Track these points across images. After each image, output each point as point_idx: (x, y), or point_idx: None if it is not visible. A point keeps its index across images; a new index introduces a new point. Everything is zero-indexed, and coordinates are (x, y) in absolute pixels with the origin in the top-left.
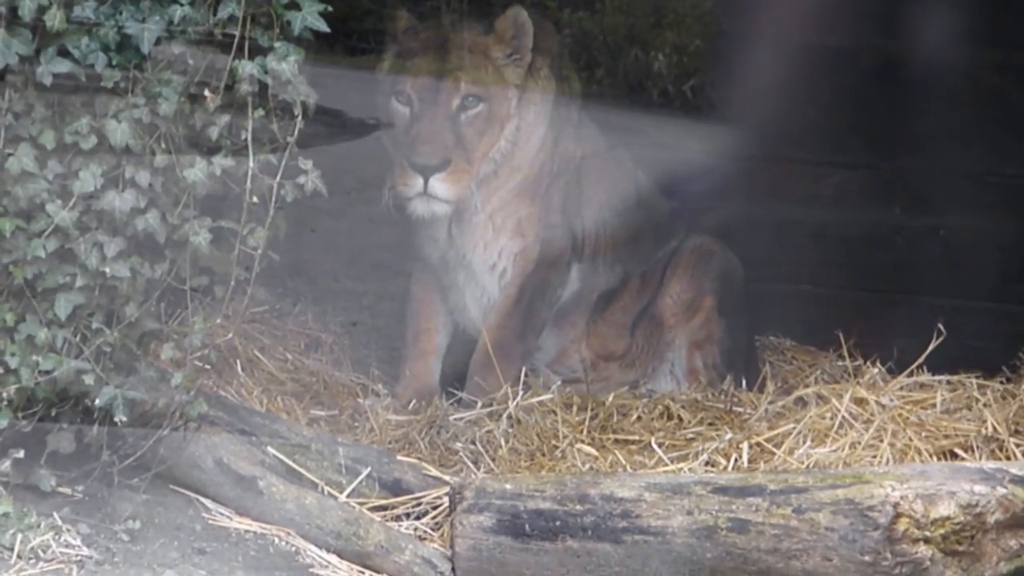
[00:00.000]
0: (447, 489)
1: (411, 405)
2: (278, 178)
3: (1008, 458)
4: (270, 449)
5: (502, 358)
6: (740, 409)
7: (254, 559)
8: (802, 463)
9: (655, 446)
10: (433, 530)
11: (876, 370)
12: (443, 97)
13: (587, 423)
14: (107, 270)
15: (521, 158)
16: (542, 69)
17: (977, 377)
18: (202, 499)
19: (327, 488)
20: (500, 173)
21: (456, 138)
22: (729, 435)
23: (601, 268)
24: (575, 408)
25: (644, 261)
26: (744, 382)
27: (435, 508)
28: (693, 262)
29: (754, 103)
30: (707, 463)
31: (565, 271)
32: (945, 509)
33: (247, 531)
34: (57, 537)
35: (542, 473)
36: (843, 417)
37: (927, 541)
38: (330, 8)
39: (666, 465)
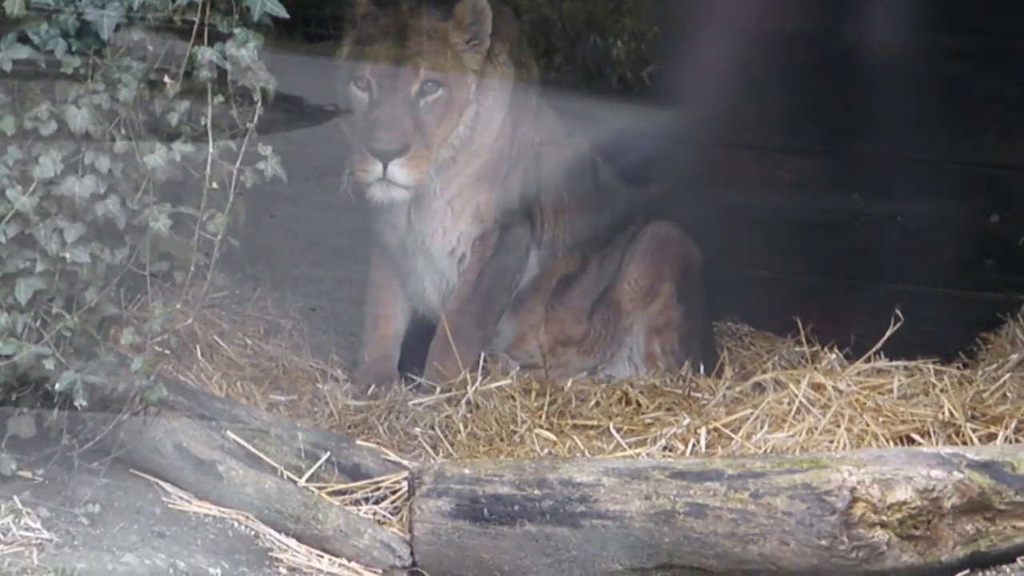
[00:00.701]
0: (406, 474)
1: (370, 391)
2: (238, 164)
3: (965, 443)
4: (229, 434)
5: (461, 343)
6: (698, 394)
7: (213, 543)
8: (759, 448)
9: (613, 431)
10: (392, 514)
11: (833, 356)
12: (402, 83)
13: (545, 408)
14: (67, 255)
15: (480, 144)
16: (501, 55)
17: (934, 363)
18: (162, 483)
19: (286, 472)
20: (459, 159)
21: (415, 123)
22: (687, 420)
23: (559, 253)
24: (533, 393)
25: (602, 246)
26: (702, 367)
27: (394, 493)
28: (652, 248)
29: (712, 89)
30: (665, 448)
31: (524, 257)
32: (902, 494)
33: (206, 515)
34: (17, 520)
35: (501, 458)
36: (800, 402)
37: (884, 526)
38: None
39: (624, 450)
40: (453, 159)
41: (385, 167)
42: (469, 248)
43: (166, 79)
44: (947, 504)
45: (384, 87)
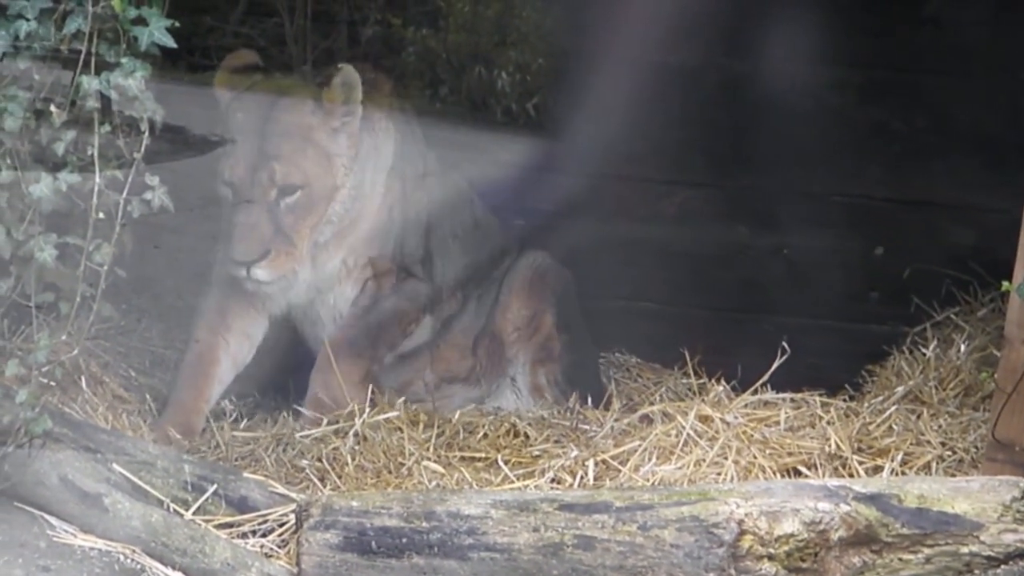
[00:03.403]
0: (293, 506)
1: (171, 443)
2: (124, 194)
3: (851, 475)
4: (115, 466)
5: (343, 367)
6: (586, 426)
7: None
8: (648, 480)
9: (501, 463)
10: (280, 547)
11: (720, 388)
12: (259, 190)
13: (433, 440)
14: None
15: (367, 208)
16: (378, 120)
17: (820, 395)
18: (47, 516)
19: (173, 505)
20: (345, 228)
21: (275, 227)
22: (575, 452)
23: (444, 297)
24: (421, 425)
25: (481, 282)
26: (590, 399)
27: (281, 525)
28: (528, 278)
29: (598, 121)
30: (553, 480)
31: (422, 309)
32: (789, 526)
33: (92, 548)
34: None
35: (389, 490)
36: (688, 434)
37: (771, 558)
38: (177, 24)
39: (512, 482)
40: (338, 230)
41: (248, 270)
42: (363, 289)
43: (52, 108)
44: (834, 536)
45: (242, 193)
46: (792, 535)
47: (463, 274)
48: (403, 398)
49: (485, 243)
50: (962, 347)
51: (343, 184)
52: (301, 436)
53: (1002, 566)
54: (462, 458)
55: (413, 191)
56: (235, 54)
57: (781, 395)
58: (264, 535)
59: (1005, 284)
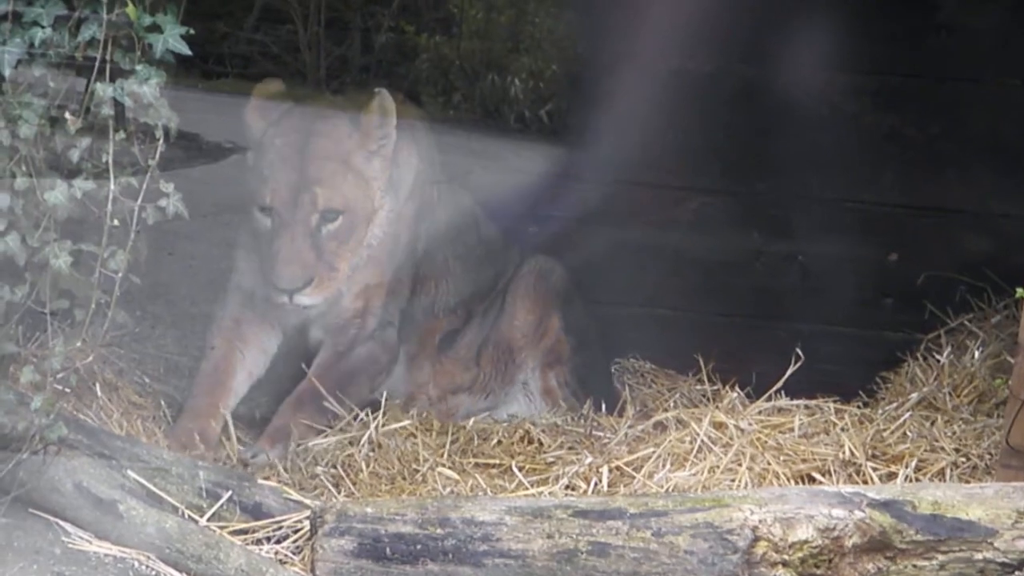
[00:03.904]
0: (308, 513)
1: (185, 450)
2: (139, 201)
3: (865, 482)
4: (130, 472)
5: (313, 410)
6: (600, 433)
7: None
8: (662, 487)
9: (515, 470)
10: (294, 554)
11: (735, 394)
12: (301, 215)
13: (448, 447)
14: None
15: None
16: (403, 147)
17: (835, 402)
18: (62, 523)
19: (187, 512)
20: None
21: (317, 254)
22: (589, 459)
23: (441, 314)
24: (434, 432)
25: (485, 297)
26: (604, 405)
27: (296, 532)
28: (533, 283)
29: (612, 127)
30: (567, 487)
31: (392, 362)
32: (803, 533)
33: (107, 555)
34: None
35: (403, 497)
36: (702, 441)
37: (785, 564)
38: (192, 31)
39: (526, 489)
40: (372, 253)
41: (291, 297)
42: (351, 321)
43: (67, 115)
44: (848, 543)
45: (284, 218)
46: (806, 541)
47: (467, 291)
48: (415, 407)
49: (489, 260)
50: (976, 354)
51: (380, 207)
52: (314, 443)
53: (1016, 572)
54: (476, 464)
55: (420, 219)
56: (263, 83)
57: (795, 401)
58: (279, 541)
59: (1019, 291)
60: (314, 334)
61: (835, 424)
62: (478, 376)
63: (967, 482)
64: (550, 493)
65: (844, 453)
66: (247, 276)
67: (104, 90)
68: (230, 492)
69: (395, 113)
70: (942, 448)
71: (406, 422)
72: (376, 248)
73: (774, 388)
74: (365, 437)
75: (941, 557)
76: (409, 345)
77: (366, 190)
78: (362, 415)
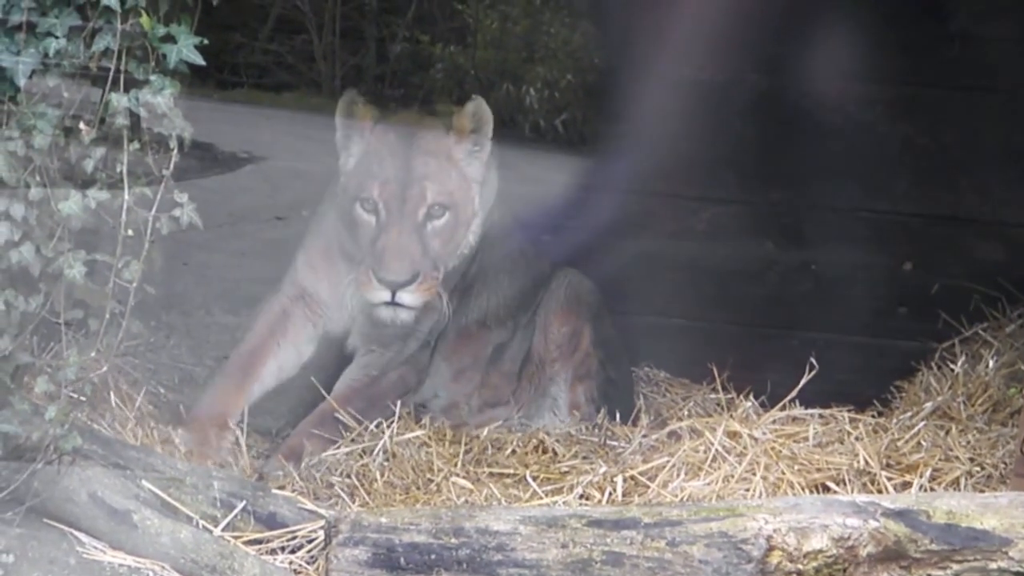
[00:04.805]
0: (322, 523)
1: (201, 441)
2: (153, 211)
3: (880, 491)
4: (144, 483)
5: (331, 429)
6: (614, 442)
7: None
8: (676, 496)
9: (529, 479)
10: (308, 564)
11: (749, 403)
12: (410, 208)
13: (461, 456)
14: None
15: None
16: (490, 162)
17: (849, 411)
18: (76, 533)
19: (202, 522)
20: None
21: (423, 249)
22: (603, 468)
23: (493, 325)
24: (447, 442)
25: (527, 310)
26: (618, 415)
27: (310, 542)
28: (564, 296)
29: (626, 137)
30: (581, 496)
31: (420, 381)
32: (818, 542)
33: (121, 565)
34: None
35: (417, 506)
36: (716, 450)
37: (800, 574)
38: (206, 41)
39: (541, 498)
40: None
41: (394, 294)
42: (396, 337)
43: (82, 126)
44: (863, 552)
45: (392, 212)
46: (821, 551)
47: (513, 303)
48: (429, 414)
49: (529, 270)
50: (990, 363)
51: (477, 213)
52: (328, 454)
53: None
54: (490, 474)
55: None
56: (347, 92)
57: (809, 411)
58: (293, 551)
59: None
60: (351, 342)
61: (849, 433)
62: (516, 390)
63: (982, 491)
64: (564, 503)
65: (858, 462)
66: (306, 275)
67: (118, 100)
68: (244, 502)
69: (491, 123)
70: (956, 457)
71: (420, 432)
72: (460, 260)
73: (788, 397)
74: (379, 447)
75: (956, 566)
76: (461, 357)
77: (468, 191)
78: (371, 426)
